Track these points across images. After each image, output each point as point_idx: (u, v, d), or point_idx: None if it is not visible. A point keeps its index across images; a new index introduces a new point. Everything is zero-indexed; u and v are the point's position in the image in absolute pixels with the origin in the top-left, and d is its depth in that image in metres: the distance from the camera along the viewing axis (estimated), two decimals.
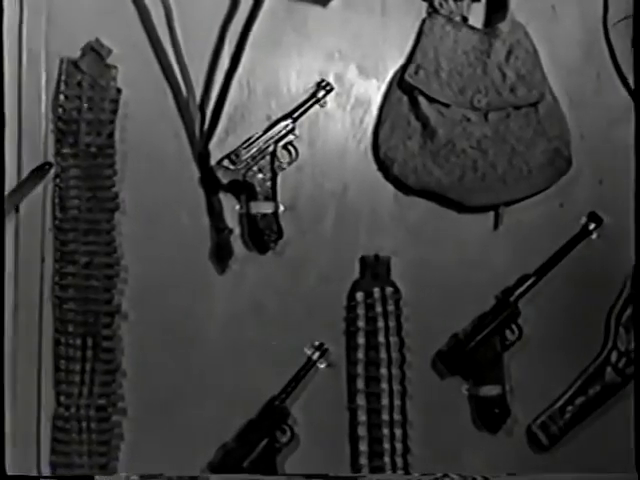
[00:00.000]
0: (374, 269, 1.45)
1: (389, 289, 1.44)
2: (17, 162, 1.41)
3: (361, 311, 1.44)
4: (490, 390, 1.45)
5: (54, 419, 1.41)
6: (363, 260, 1.45)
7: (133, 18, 1.42)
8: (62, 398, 1.41)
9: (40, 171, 1.41)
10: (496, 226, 1.47)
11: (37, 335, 1.41)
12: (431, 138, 1.44)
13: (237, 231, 1.44)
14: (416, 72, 1.44)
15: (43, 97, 1.41)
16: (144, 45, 1.42)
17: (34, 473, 1.40)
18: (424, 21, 1.45)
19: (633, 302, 1.46)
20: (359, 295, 1.44)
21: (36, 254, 1.41)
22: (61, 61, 1.40)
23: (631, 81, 1.48)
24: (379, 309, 1.44)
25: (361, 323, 1.44)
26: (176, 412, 1.43)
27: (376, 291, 1.44)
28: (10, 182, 1.40)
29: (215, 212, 1.43)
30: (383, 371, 1.43)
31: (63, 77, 1.40)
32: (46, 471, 1.41)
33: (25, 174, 1.40)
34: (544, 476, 1.46)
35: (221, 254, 1.43)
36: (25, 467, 1.40)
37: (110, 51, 1.41)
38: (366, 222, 1.46)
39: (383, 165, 1.45)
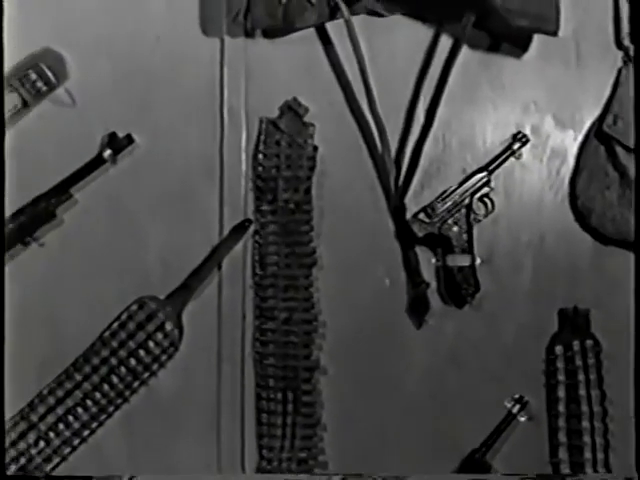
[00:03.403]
0: (573, 322, 1.43)
1: (589, 342, 1.43)
2: (219, 220, 1.44)
3: (561, 364, 1.43)
4: None
5: (257, 472, 1.43)
6: (562, 313, 1.44)
7: (329, 76, 1.44)
8: (265, 452, 1.43)
9: (240, 228, 1.43)
10: None
11: (239, 389, 1.44)
12: (630, 188, 1.42)
13: (434, 285, 1.44)
14: (614, 122, 1.42)
15: (243, 156, 1.44)
16: (340, 102, 1.44)
17: None
18: (620, 70, 1.43)
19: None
20: (558, 348, 1.43)
21: (237, 311, 1.44)
22: (260, 120, 1.43)
23: None
24: (579, 362, 1.42)
25: (561, 376, 1.43)
26: (376, 465, 1.43)
27: (576, 344, 1.43)
28: (212, 240, 1.43)
29: (411, 266, 1.44)
30: (585, 424, 1.42)
31: (262, 136, 1.43)
32: None
33: (226, 232, 1.43)
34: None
35: (418, 308, 1.44)
36: None
37: (307, 109, 1.43)
38: (564, 273, 1.44)
39: (581, 215, 1.44)
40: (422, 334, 1.44)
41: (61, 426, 1.41)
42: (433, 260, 1.44)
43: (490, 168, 1.43)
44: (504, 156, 1.44)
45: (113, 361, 1.41)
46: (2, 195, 1.40)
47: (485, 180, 1.43)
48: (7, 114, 1.40)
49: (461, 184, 1.43)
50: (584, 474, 1.41)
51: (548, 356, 1.44)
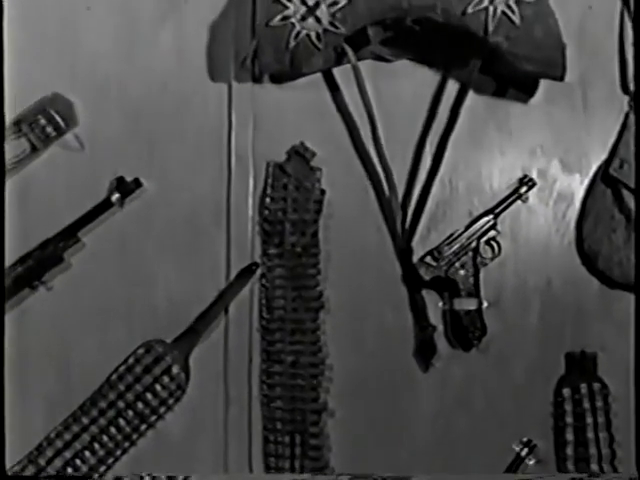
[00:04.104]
0: (581, 365, 1.43)
1: (596, 385, 1.43)
2: (226, 263, 1.44)
3: (568, 407, 1.43)
4: None
5: None
6: (569, 356, 1.44)
7: (336, 121, 1.44)
8: None
9: (247, 272, 1.44)
10: None
11: (247, 432, 1.44)
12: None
13: (440, 328, 1.44)
14: (620, 166, 1.42)
15: (250, 200, 1.44)
16: (347, 147, 1.44)
17: None
18: (627, 115, 1.44)
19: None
20: (566, 391, 1.43)
21: (244, 354, 1.44)
22: (268, 164, 1.44)
23: None
24: (587, 405, 1.42)
25: (569, 419, 1.43)
26: None
27: (583, 387, 1.43)
28: (219, 284, 1.44)
29: (418, 309, 1.44)
30: (594, 467, 1.42)
31: (270, 180, 1.44)
32: None
33: (233, 275, 1.44)
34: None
35: (425, 352, 1.44)
36: None
37: (314, 154, 1.43)
38: (571, 317, 1.44)
39: (587, 259, 1.44)
40: (429, 377, 1.44)
41: (69, 470, 1.41)
42: (440, 303, 1.45)
43: (496, 211, 1.44)
44: (510, 199, 1.44)
45: (120, 404, 1.42)
46: (2, 238, 1.40)
47: (492, 223, 1.44)
48: (16, 159, 1.41)
49: (468, 227, 1.44)
50: None
51: (556, 399, 1.44)
